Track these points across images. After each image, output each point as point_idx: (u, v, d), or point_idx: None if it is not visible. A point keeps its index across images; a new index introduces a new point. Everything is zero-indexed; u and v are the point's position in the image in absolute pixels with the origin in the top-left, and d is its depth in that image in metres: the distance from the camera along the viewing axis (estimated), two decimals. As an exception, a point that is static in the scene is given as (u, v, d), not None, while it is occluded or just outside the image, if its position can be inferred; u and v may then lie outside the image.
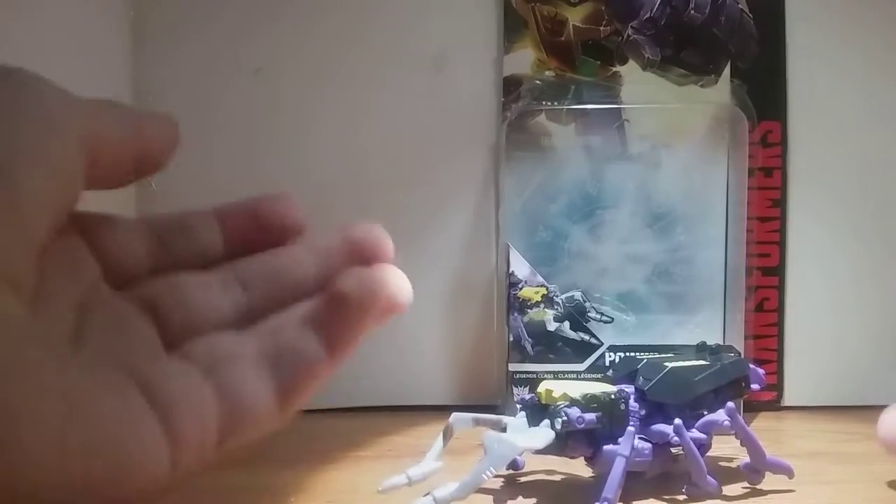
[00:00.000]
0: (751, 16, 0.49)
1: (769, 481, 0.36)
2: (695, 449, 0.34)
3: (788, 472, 0.36)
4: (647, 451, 0.35)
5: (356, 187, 0.51)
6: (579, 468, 0.37)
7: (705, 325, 0.48)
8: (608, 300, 0.48)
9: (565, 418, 0.33)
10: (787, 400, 0.51)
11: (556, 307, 0.48)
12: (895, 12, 0.49)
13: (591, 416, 0.33)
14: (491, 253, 0.50)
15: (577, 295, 0.48)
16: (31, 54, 0.41)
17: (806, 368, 0.50)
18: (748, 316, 0.48)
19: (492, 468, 0.31)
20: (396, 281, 0.26)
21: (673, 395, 0.35)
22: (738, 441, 0.36)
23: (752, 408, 0.49)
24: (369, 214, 0.51)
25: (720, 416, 0.35)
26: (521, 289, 0.48)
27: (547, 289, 0.47)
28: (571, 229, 0.48)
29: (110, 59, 0.50)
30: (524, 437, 0.33)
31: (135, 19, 0.51)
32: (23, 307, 0.19)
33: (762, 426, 0.47)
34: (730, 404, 0.35)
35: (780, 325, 0.50)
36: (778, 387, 0.50)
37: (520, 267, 0.48)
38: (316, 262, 0.26)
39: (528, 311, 0.47)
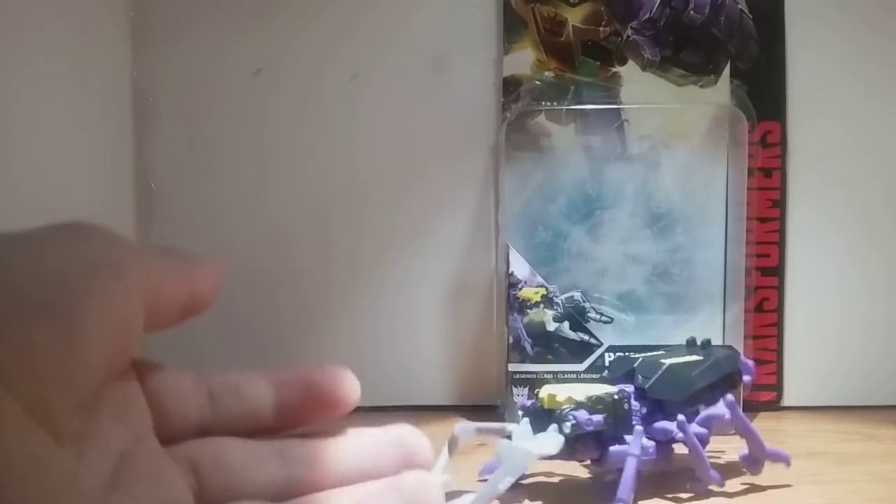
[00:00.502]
0: (750, 16, 0.49)
1: (767, 478, 0.36)
2: (698, 444, 0.34)
3: (786, 461, 0.36)
4: (651, 450, 0.35)
5: (355, 188, 0.51)
6: (576, 469, 0.37)
7: (705, 326, 0.48)
8: (608, 300, 0.48)
9: (574, 422, 0.33)
10: (787, 400, 0.51)
11: (555, 307, 0.48)
12: (894, 14, 0.49)
13: (598, 417, 0.33)
14: (490, 253, 0.50)
15: (577, 295, 0.48)
16: (31, 55, 0.41)
17: (805, 368, 0.50)
18: (747, 316, 0.48)
19: (509, 478, 0.30)
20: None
21: (674, 391, 0.35)
22: (738, 433, 0.36)
23: (752, 408, 0.49)
24: (368, 215, 0.52)
25: (720, 409, 0.36)
26: (520, 289, 0.48)
27: (547, 289, 0.48)
28: (571, 229, 0.48)
29: (110, 59, 0.50)
30: (537, 444, 0.33)
31: (135, 19, 0.51)
32: (59, 450, 0.19)
33: (762, 426, 0.47)
34: (729, 397, 0.36)
35: (779, 325, 0.50)
36: (777, 387, 0.50)
37: (519, 267, 0.48)
38: (361, 452, 0.27)
39: (528, 311, 0.48)
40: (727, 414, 0.35)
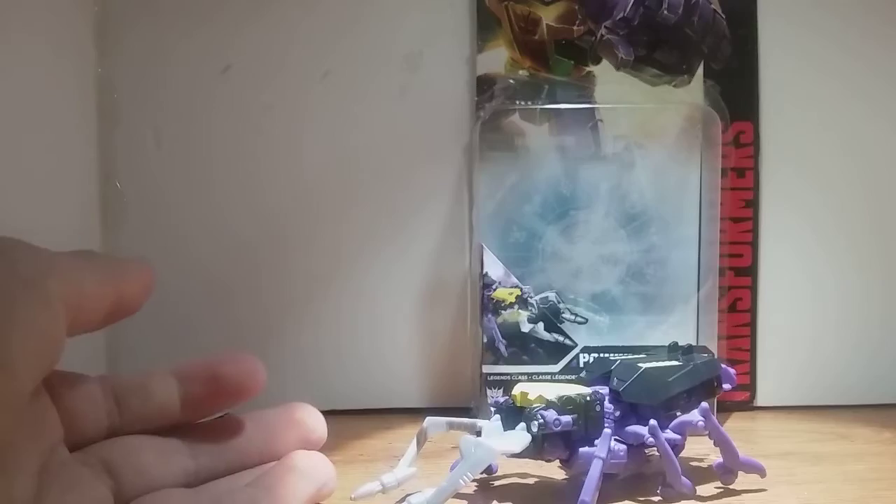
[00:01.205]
0: (723, 16, 0.49)
1: (742, 481, 0.36)
2: (670, 450, 0.34)
3: (761, 472, 0.36)
4: (621, 453, 0.35)
5: (326, 186, 0.50)
6: (552, 471, 0.37)
7: (679, 326, 0.48)
8: (582, 301, 0.48)
9: (542, 421, 0.32)
10: (760, 400, 0.51)
11: (530, 308, 0.47)
12: (868, 16, 0.50)
13: (567, 418, 0.33)
14: (464, 254, 0.50)
15: (552, 296, 0.47)
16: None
17: (779, 368, 0.50)
18: (721, 316, 0.48)
19: (469, 473, 0.30)
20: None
21: (647, 395, 0.35)
22: (712, 441, 0.36)
23: (725, 408, 0.49)
24: (340, 215, 0.51)
25: (694, 416, 0.35)
26: (494, 290, 0.47)
27: (521, 290, 0.47)
28: (545, 230, 0.48)
29: (74, 55, 0.49)
30: (501, 441, 0.33)
31: (99, 13, 0.50)
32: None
33: (735, 426, 0.47)
34: (704, 404, 0.35)
35: (752, 325, 0.50)
36: (750, 387, 0.50)
37: (494, 268, 0.47)
38: (262, 435, 0.29)
39: (502, 312, 0.47)
40: (701, 421, 0.35)
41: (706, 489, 0.35)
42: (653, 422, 0.34)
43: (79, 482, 0.24)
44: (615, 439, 0.35)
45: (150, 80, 0.50)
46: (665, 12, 0.47)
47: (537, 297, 0.47)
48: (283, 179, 0.50)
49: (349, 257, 0.50)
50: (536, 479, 0.37)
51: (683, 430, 0.35)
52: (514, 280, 0.47)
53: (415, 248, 0.50)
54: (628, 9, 0.48)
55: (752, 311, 0.50)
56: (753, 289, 0.50)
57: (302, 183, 0.50)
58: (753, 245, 0.50)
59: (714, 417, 0.35)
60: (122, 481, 0.25)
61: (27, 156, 0.43)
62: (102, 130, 0.50)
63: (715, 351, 0.46)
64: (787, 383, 0.51)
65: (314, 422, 0.30)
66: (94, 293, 0.24)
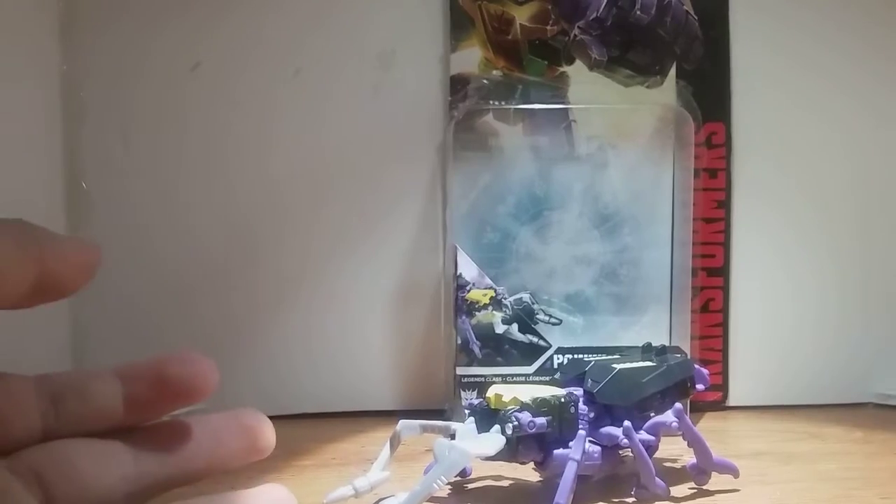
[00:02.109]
0: (696, 17, 0.49)
1: (715, 482, 0.36)
2: (644, 451, 0.34)
3: (734, 473, 0.36)
4: (596, 455, 0.34)
5: (298, 186, 0.50)
6: (527, 473, 0.37)
7: (652, 327, 0.48)
8: (556, 302, 0.48)
9: (516, 423, 0.32)
10: (732, 400, 0.51)
11: (504, 309, 0.47)
12: (838, 18, 0.50)
13: (541, 420, 0.33)
14: (438, 254, 0.49)
15: (526, 297, 0.47)
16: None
17: (750, 368, 0.51)
18: (693, 316, 0.48)
19: (443, 477, 0.30)
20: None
21: (621, 397, 0.35)
22: (686, 442, 0.36)
23: (698, 408, 0.49)
24: (312, 215, 0.50)
25: (668, 417, 0.35)
26: (468, 291, 0.47)
27: (495, 291, 0.47)
28: (519, 230, 0.48)
29: (37, 52, 0.48)
30: (475, 444, 0.32)
31: (64, 9, 0.49)
32: None
33: (707, 426, 0.47)
34: (677, 405, 0.35)
35: (724, 325, 0.50)
36: (723, 387, 0.51)
37: (467, 269, 0.47)
38: (208, 441, 0.27)
39: (476, 313, 0.47)
40: (675, 422, 0.35)
41: (680, 490, 0.35)
42: (627, 423, 0.34)
43: (6, 492, 0.22)
44: (589, 441, 0.34)
45: (117, 77, 0.49)
46: (638, 13, 0.48)
47: (511, 299, 0.47)
48: (252, 179, 0.50)
49: (320, 258, 0.50)
50: (511, 482, 0.37)
51: (657, 430, 0.35)
52: (489, 281, 0.47)
53: (387, 248, 0.50)
54: (601, 9, 0.48)
55: (725, 311, 0.50)
56: (725, 289, 0.50)
57: (272, 182, 0.50)
58: (725, 245, 0.50)
59: (688, 418, 0.35)
60: (53, 490, 0.23)
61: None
62: (68, 129, 0.49)
63: (688, 351, 0.46)
64: (758, 383, 0.51)
65: (262, 428, 0.28)
66: (8, 263, 0.22)
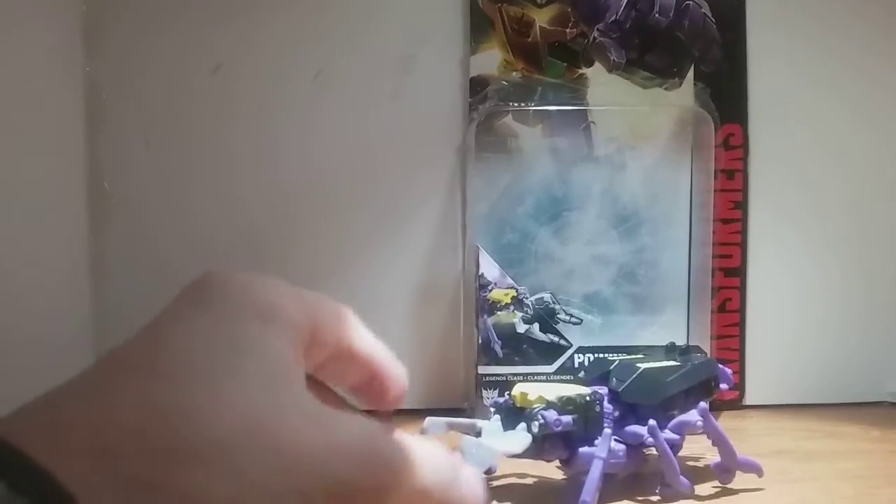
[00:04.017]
0: (713, 20, 0.49)
1: (738, 480, 0.36)
2: (668, 450, 0.34)
3: (758, 471, 0.36)
4: (621, 453, 0.35)
5: (318, 188, 0.50)
6: (551, 471, 0.37)
7: (669, 326, 0.48)
8: (575, 302, 0.48)
9: (542, 421, 0.32)
10: (749, 399, 0.51)
11: (525, 309, 0.47)
12: (853, 19, 0.51)
13: (567, 418, 0.33)
14: (458, 255, 0.50)
15: (547, 297, 0.48)
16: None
17: (767, 367, 0.51)
18: (710, 316, 0.49)
19: None
20: None
21: (646, 396, 0.35)
22: (710, 441, 0.36)
23: (715, 407, 0.49)
24: (334, 216, 0.51)
25: (693, 416, 0.36)
26: (490, 291, 0.47)
27: (517, 291, 0.47)
28: (538, 231, 0.48)
29: (61, 54, 0.48)
30: (502, 442, 0.32)
31: (87, 12, 0.49)
32: None
33: (725, 425, 0.47)
34: (702, 404, 0.36)
35: (741, 325, 0.51)
36: (740, 386, 0.51)
37: (489, 269, 0.47)
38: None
39: (498, 313, 0.47)
40: (699, 421, 0.35)
41: (704, 488, 0.36)
42: (652, 422, 0.34)
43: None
44: (614, 439, 0.35)
45: (140, 80, 0.50)
46: (656, 16, 0.48)
47: (533, 298, 0.47)
48: (273, 181, 0.50)
49: (343, 259, 0.50)
50: (535, 480, 0.37)
51: (682, 429, 0.36)
52: (510, 281, 0.47)
53: (408, 249, 0.50)
54: (620, 12, 0.48)
55: (741, 311, 0.51)
56: (742, 289, 0.51)
57: (293, 184, 0.50)
58: (742, 246, 0.51)
59: (713, 418, 0.36)
60: None
61: (14, 156, 0.43)
62: (90, 131, 0.50)
63: (707, 351, 0.46)
64: (775, 382, 0.51)
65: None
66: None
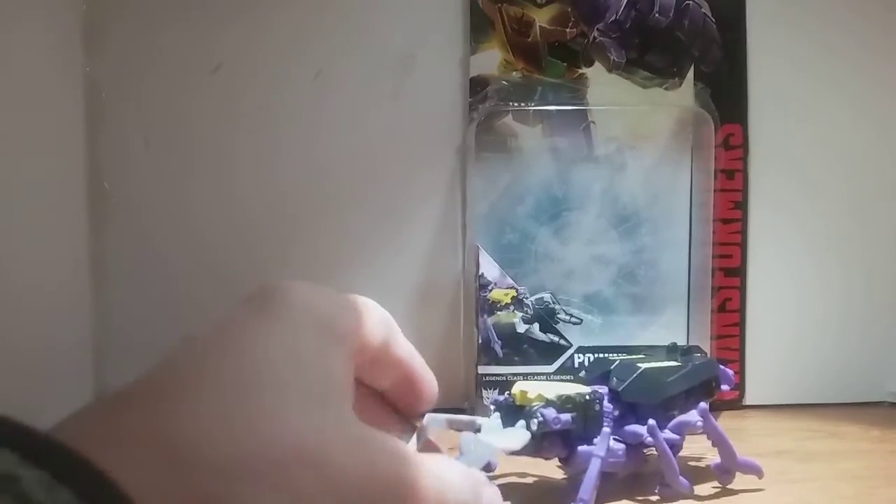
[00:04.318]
0: (713, 20, 0.49)
1: (739, 481, 0.36)
2: (668, 450, 0.34)
3: (758, 473, 0.36)
4: (620, 452, 0.35)
5: (318, 187, 0.50)
6: (551, 470, 0.37)
7: (669, 326, 0.48)
8: (575, 302, 0.48)
9: (541, 419, 0.32)
10: (749, 399, 0.51)
11: (525, 309, 0.47)
12: (853, 18, 0.51)
13: (566, 416, 0.33)
14: (457, 255, 0.50)
15: (547, 297, 0.48)
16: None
17: (767, 367, 0.51)
18: (710, 316, 0.49)
19: None
20: None
21: (646, 395, 0.35)
22: (710, 441, 0.36)
23: (715, 407, 0.49)
24: (334, 216, 0.51)
25: (693, 416, 0.36)
26: (490, 290, 0.47)
27: (517, 291, 0.47)
28: (538, 231, 0.48)
29: (61, 53, 0.48)
30: (501, 439, 0.32)
31: (87, 11, 0.49)
32: None
33: (725, 425, 0.47)
34: (702, 405, 0.36)
35: (741, 324, 0.51)
36: (740, 386, 0.51)
37: (489, 269, 0.47)
38: None
39: (497, 313, 0.47)
40: (700, 421, 0.35)
41: (704, 489, 0.36)
42: (651, 421, 0.34)
43: None
44: (614, 438, 0.35)
45: (139, 79, 0.50)
46: (657, 16, 0.48)
47: (533, 298, 0.47)
48: (273, 180, 0.50)
49: (343, 258, 0.50)
50: (535, 479, 0.37)
51: (682, 430, 0.36)
52: (510, 281, 0.47)
53: (408, 249, 0.50)
54: (620, 12, 0.48)
55: (741, 311, 0.51)
56: (742, 289, 0.51)
57: (293, 184, 0.50)
58: (742, 246, 0.51)
59: (713, 418, 0.36)
60: None
61: (14, 156, 0.43)
62: (90, 130, 0.50)
63: (707, 351, 0.46)
64: (775, 382, 0.51)
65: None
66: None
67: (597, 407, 0.35)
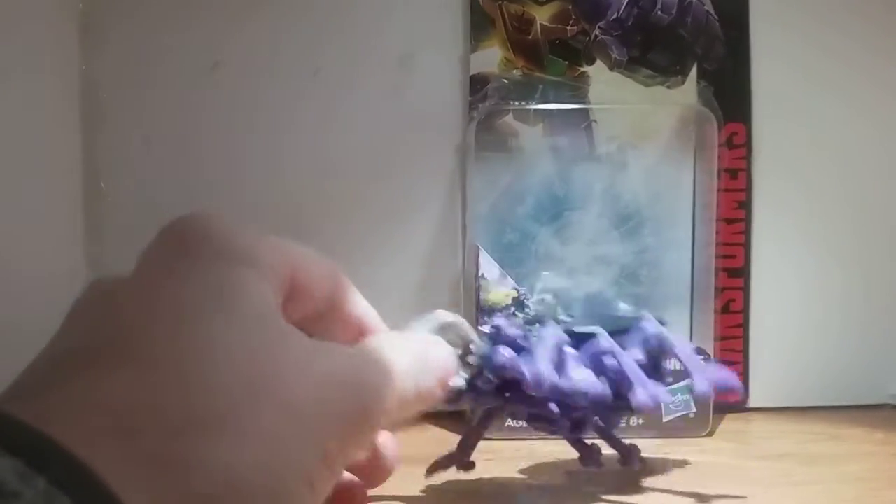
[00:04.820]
0: (716, 17, 0.49)
1: (740, 481, 0.36)
2: (631, 361, 0.33)
3: (735, 389, 0.35)
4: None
5: (316, 187, 0.50)
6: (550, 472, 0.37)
7: (672, 327, 0.47)
8: (576, 302, 0.47)
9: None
10: (753, 401, 0.51)
11: (526, 310, 0.47)
12: (858, 15, 0.50)
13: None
14: (457, 255, 0.49)
15: (548, 298, 0.47)
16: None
17: (771, 369, 0.51)
18: (714, 317, 0.48)
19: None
20: None
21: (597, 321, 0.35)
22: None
23: (718, 409, 0.49)
24: (333, 215, 0.50)
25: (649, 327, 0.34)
26: (490, 291, 0.47)
27: (517, 291, 0.47)
28: (539, 231, 0.48)
29: (57, 51, 0.48)
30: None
31: (84, 9, 0.49)
32: None
33: (729, 428, 0.47)
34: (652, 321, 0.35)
35: (745, 326, 0.50)
36: (744, 388, 0.50)
37: (489, 269, 0.47)
38: None
39: (498, 314, 0.47)
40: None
41: (708, 490, 0.35)
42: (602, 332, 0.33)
43: None
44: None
45: (137, 77, 0.49)
46: (659, 13, 0.48)
47: (533, 299, 0.47)
48: (272, 180, 0.50)
49: (341, 259, 0.49)
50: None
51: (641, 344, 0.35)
52: (511, 282, 0.47)
53: (407, 248, 0.50)
54: (622, 9, 0.48)
55: (745, 312, 0.50)
56: (746, 290, 0.50)
57: (292, 183, 0.50)
58: (746, 246, 0.50)
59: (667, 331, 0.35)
60: None
61: (9, 155, 0.42)
62: (87, 129, 0.49)
63: (710, 352, 0.46)
64: (779, 384, 0.51)
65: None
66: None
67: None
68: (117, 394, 0.17)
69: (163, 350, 0.18)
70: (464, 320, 0.32)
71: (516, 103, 0.48)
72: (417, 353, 0.25)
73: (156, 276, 0.21)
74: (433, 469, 0.34)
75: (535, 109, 0.48)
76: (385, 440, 0.28)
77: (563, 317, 0.47)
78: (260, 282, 0.21)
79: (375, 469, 0.28)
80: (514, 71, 0.49)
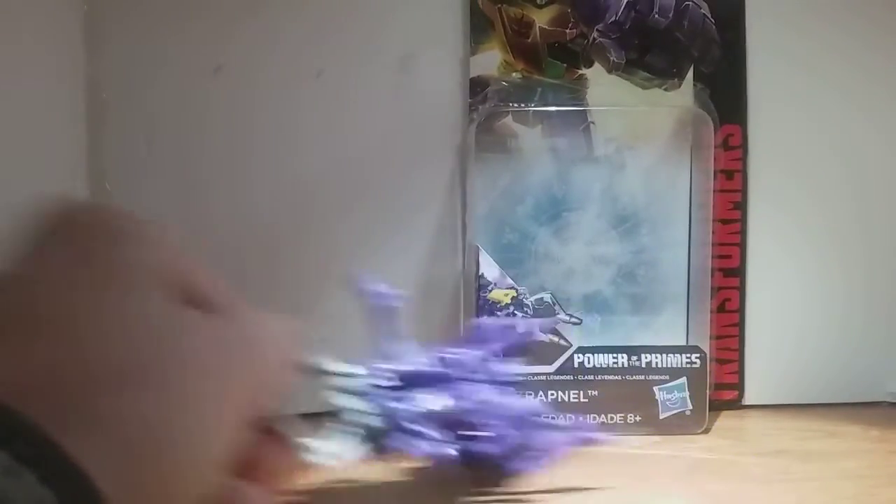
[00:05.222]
0: (712, 20, 0.49)
1: (738, 477, 0.36)
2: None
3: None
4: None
5: (318, 188, 0.50)
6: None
7: (669, 327, 0.48)
8: (574, 302, 0.48)
9: None
10: (748, 399, 0.51)
11: (525, 309, 0.47)
12: (853, 19, 0.51)
13: None
14: (457, 255, 0.50)
15: (547, 297, 0.48)
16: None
17: (766, 367, 0.51)
18: (710, 316, 0.49)
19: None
20: None
21: None
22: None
23: (714, 407, 0.50)
24: (333, 216, 0.50)
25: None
26: (490, 291, 0.47)
27: (517, 291, 0.47)
28: (538, 231, 0.48)
29: (62, 54, 0.48)
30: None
31: (89, 12, 0.49)
32: None
33: (725, 425, 0.48)
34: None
35: (740, 325, 0.51)
36: (739, 386, 0.51)
37: (489, 269, 0.47)
38: None
39: (497, 313, 0.47)
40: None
41: (705, 486, 0.36)
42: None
43: None
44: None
45: (140, 80, 0.49)
46: (656, 16, 0.48)
47: (533, 299, 0.47)
48: (273, 180, 0.50)
49: (342, 259, 0.50)
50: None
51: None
52: (510, 281, 0.47)
53: (408, 249, 0.50)
54: (620, 13, 0.48)
55: (741, 311, 0.51)
56: (741, 289, 0.51)
57: (294, 185, 0.50)
58: (741, 246, 0.51)
59: None
60: None
61: (14, 156, 0.43)
62: (91, 131, 0.50)
63: (706, 351, 0.47)
64: (774, 382, 0.51)
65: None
66: None
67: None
68: (40, 356, 0.18)
69: (70, 320, 0.19)
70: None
71: (516, 105, 0.49)
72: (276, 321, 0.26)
73: (55, 258, 0.22)
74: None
75: (535, 111, 0.49)
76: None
77: (562, 316, 0.48)
78: (151, 259, 0.23)
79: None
80: (514, 73, 0.50)
